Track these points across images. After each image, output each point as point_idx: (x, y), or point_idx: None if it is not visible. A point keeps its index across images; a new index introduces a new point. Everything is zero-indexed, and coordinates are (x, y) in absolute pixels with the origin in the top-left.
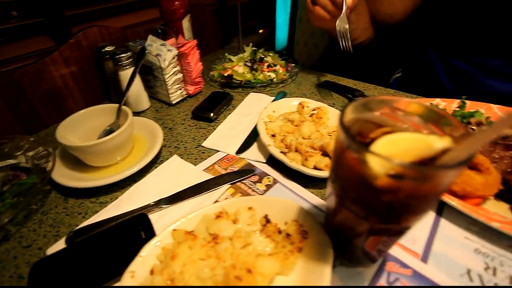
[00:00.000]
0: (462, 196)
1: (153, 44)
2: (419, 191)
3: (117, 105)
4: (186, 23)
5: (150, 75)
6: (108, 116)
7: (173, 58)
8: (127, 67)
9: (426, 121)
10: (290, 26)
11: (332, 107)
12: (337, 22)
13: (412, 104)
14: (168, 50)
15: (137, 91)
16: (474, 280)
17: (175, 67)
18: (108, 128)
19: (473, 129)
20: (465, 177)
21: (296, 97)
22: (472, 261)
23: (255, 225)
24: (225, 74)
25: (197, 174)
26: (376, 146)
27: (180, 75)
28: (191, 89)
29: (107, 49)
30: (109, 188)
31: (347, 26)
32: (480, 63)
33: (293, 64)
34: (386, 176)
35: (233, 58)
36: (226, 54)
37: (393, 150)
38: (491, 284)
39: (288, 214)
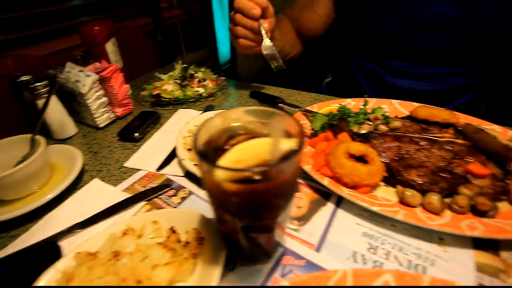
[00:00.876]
0: (353, 187)
1: (72, 71)
2: (258, 190)
3: (30, 135)
4: (110, 47)
5: (74, 101)
6: (23, 147)
7: (94, 83)
8: (45, 95)
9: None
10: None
11: None
12: (261, 48)
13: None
14: (87, 76)
15: (60, 118)
16: (358, 260)
17: (97, 91)
18: (21, 159)
19: (369, 124)
20: (351, 169)
21: (224, 109)
22: (358, 244)
23: (159, 238)
24: (154, 93)
25: (116, 195)
26: (227, 156)
27: (104, 99)
28: (119, 111)
29: (23, 78)
30: (23, 220)
31: (273, 50)
32: (385, 65)
33: (223, 78)
34: (229, 182)
35: (163, 76)
36: (157, 74)
37: (243, 156)
38: (371, 262)
39: (190, 223)
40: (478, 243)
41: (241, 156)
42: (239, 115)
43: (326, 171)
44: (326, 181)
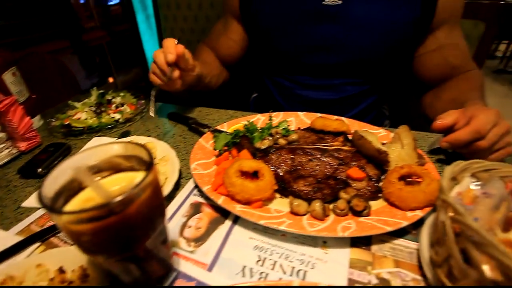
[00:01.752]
0: (247, 202)
1: None
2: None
3: None
4: (9, 77)
5: None
6: None
7: None
8: None
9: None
10: None
11: (172, 137)
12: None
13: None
14: None
15: None
16: (246, 274)
17: None
18: None
19: (269, 139)
20: (240, 186)
21: (140, 135)
22: (249, 258)
23: (43, 281)
24: (65, 123)
25: (6, 240)
26: (79, 196)
27: (2, 134)
28: (24, 145)
29: None
30: None
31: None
32: (294, 79)
33: (143, 101)
34: (73, 224)
35: (77, 104)
36: (70, 102)
37: (93, 195)
38: (258, 274)
39: (78, 260)
40: (355, 242)
41: (91, 195)
42: (105, 152)
43: (223, 190)
44: (220, 200)
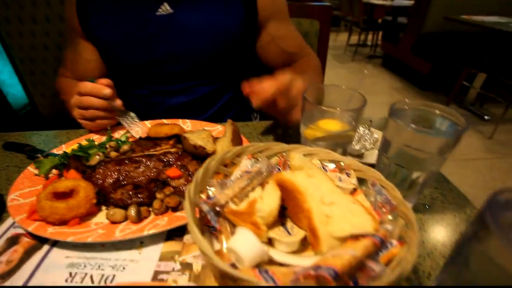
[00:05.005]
0: (63, 223)
1: None
2: None
3: None
4: None
5: None
6: None
7: None
8: None
9: None
10: (19, 76)
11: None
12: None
13: None
14: None
15: None
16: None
17: None
18: None
19: (99, 155)
20: (50, 208)
21: None
22: (58, 277)
23: None
24: None
25: None
26: None
27: None
28: None
29: None
30: None
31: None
32: (150, 88)
33: None
34: None
35: None
36: None
37: None
38: None
39: None
40: (170, 236)
41: None
42: None
43: (37, 216)
44: (31, 227)
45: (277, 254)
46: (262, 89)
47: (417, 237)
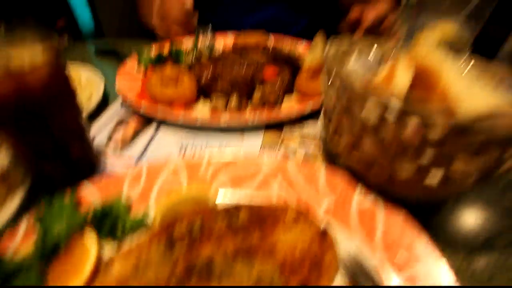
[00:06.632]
0: (170, 105)
1: None
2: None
3: None
4: None
5: None
6: None
7: None
8: None
9: None
10: None
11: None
12: None
13: None
14: None
15: None
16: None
17: None
18: None
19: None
20: (160, 93)
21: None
22: (172, 149)
23: None
24: None
25: None
26: None
27: None
28: None
29: None
30: None
31: None
32: None
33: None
34: None
35: None
36: None
37: None
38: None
39: None
40: (269, 126)
41: None
42: None
43: (147, 98)
44: (143, 107)
45: None
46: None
47: None
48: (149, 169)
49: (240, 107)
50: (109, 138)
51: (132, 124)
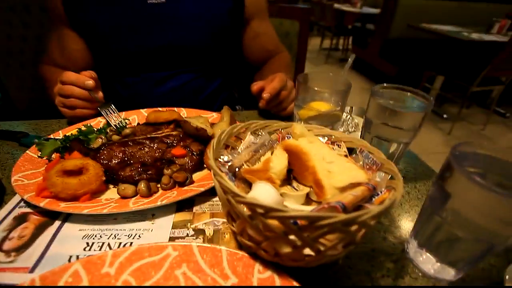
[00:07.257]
0: (74, 198)
1: None
2: None
3: None
4: None
5: None
6: None
7: None
8: None
9: None
10: None
11: None
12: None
13: None
14: None
15: None
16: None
17: None
18: None
19: (102, 138)
20: (62, 184)
21: None
22: (76, 248)
23: None
24: None
25: None
26: None
27: None
28: None
29: None
30: None
31: None
32: (140, 76)
33: None
34: None
35: None
36: None
37: None
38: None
39: None
40: (180, 207)
41: None
42: None
43: (48, 193)
44: (43, 203)
45: (290, 204)
46: (271, 86)
47: (401, 182)
48: (42, 279)
49: (150, 191)
50: (2, 241)
51: (31, 226)
